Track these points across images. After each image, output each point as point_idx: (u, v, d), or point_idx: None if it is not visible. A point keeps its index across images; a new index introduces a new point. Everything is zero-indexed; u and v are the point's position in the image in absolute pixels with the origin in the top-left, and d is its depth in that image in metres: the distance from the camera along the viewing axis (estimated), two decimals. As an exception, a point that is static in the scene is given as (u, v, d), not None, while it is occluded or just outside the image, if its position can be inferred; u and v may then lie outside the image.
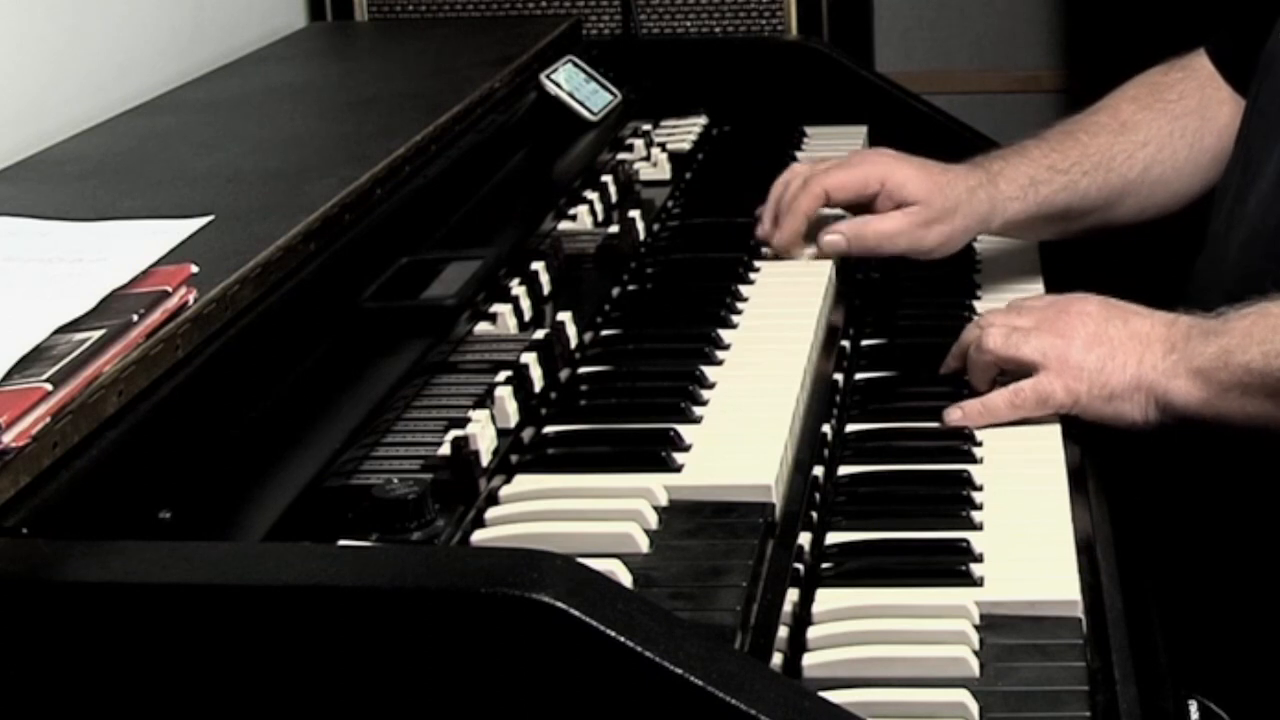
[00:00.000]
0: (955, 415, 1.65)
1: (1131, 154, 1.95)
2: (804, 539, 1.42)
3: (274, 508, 1.21)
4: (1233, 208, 1.84)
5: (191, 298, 1.29)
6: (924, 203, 1.86)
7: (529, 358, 1.48)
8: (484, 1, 2.58)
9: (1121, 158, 1.95)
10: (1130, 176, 1.95)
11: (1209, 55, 2.00)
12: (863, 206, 1.90)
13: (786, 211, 1.88)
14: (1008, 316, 1.70)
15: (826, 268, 1.83)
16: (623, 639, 0.98)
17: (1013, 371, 1.67)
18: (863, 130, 2.32)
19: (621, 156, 2.13)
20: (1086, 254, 2.10)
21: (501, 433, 1.39)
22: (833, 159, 1.93)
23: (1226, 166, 1.91)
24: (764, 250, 1.89)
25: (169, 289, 1.28)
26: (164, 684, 1.03)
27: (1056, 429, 1.64)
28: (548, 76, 2.11)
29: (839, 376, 1.73)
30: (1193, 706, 1.45)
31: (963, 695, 1.23)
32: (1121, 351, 1.63)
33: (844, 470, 1.58)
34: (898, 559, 1.42)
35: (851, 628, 1.32)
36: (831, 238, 1.86)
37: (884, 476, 1.57)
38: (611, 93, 2.19)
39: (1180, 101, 1.98)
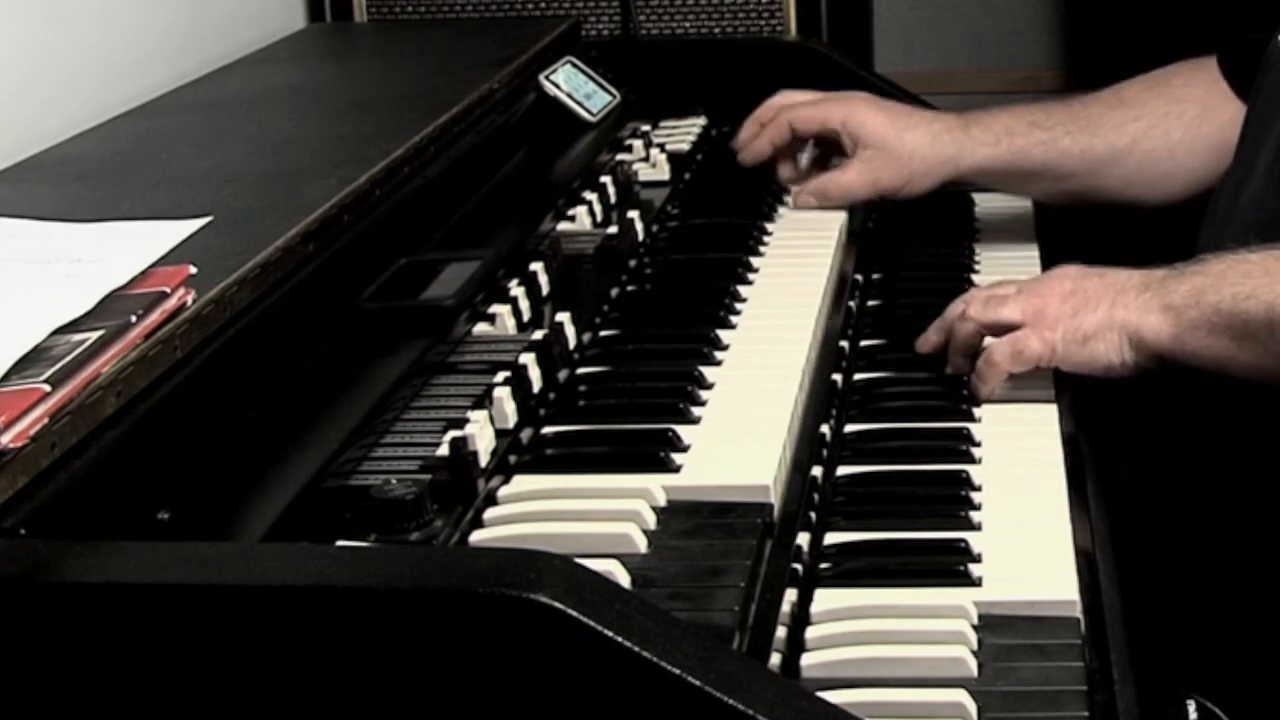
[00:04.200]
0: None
1: (1122, 125, 2.00)
2: (802, 539, 1.42)
3: (272, 508, 1.21)
4: (1229, 205, 1.85)
5: (190, 299, 1.29)
6: (878, 147, 2.00)
7: (527, 358, 1.48)
8: (483, 2, 2.58)
9: (1110, 126, 2.00)
10: (1118, 146, 2.00)
11: (1219, 64, 2.02)
12: (832, 142, 2.06)
13: (755, 135, 2.10)
14: (990, 289, 1.73)
15: (824, 268, 1.83)
16: (620, 639, 0.98)
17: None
18: (862, 130, 2.32)
19: (620, 157, 2.13)
20: (1086, 254, 2.11)
21: (500, 433, 1.39)
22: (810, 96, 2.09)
23: (1228, 169, 1.91)
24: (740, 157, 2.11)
25: (167, 290, 1.28)
26: (163, 684, 1.03)
27: (1055, 429, 1.64)
28: (547, 77, 2.11)
29: (838, 376, 1.73)
30: (1191, 706, 1.45)
31: (961, 695, 1.23)
32: (1095, 297, 1.65)
33: (843, 470, 1.58)
34: (896, 559, 1.42)
35: (850, 628, 1.32)
36: (803, 201, 2.03)
37: (883, 477, 1.57)
38: (610, 93, 2.19)
39: (1184, 88, 2.02)
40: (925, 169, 2.00)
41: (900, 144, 1.99)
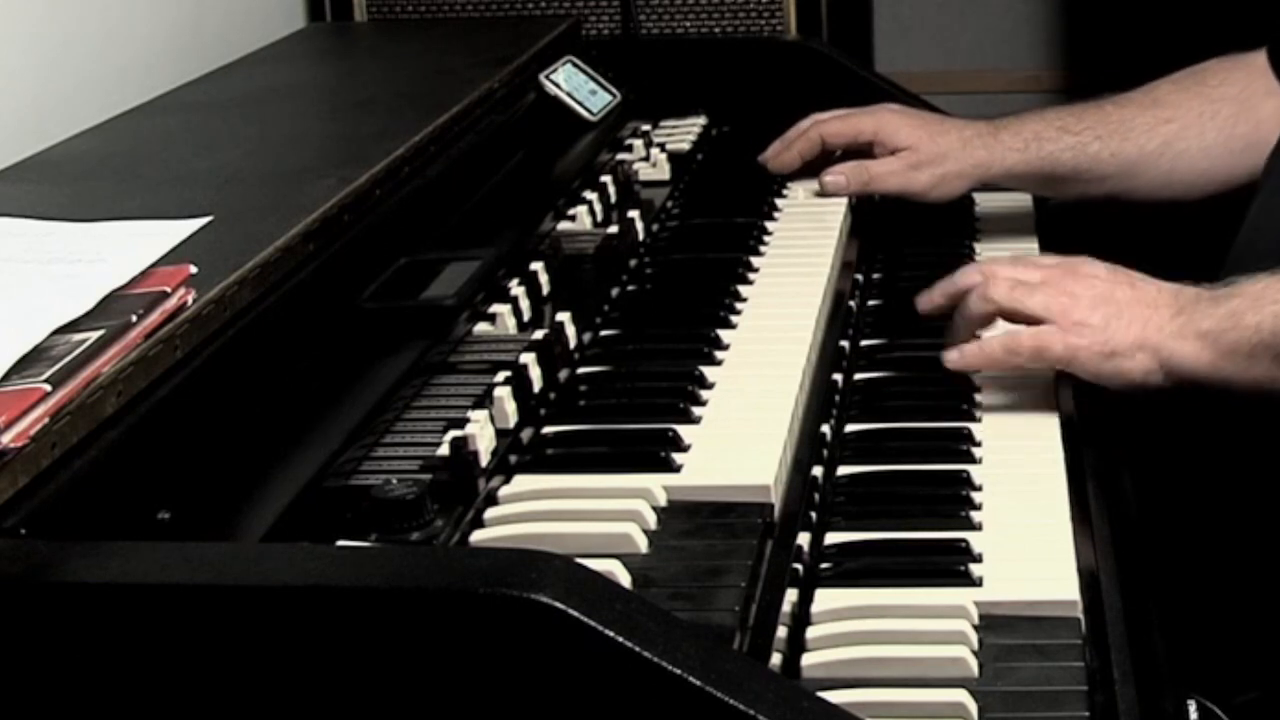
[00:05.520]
0: (952, 356, 1.65)
1: (1153, 128, 2.01)
2: (803, 539, 1.42)
3: (273, 508, 1.21)
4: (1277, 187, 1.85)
5: (190, 298, 1.29)
6: (913, 148, 2.03)
7: (528, 358, 1.48)
8: (484, 1, 2.58)
9: (1141, 129, 2.01)
10: (1148, 148, 2.00)
11: (1268, 55, 2.01)
12: (864, 154, 2.09)
13: (785, 147, 2.12)
14: (1013, 269, 1.70)
15: (825, 268, 1.83)
16: (621, 639, 0.98)
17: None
18: (863, 130, 2.32)
19: (621, 157, 2.13)
20: (1086, 252, 2.11)
21: (500, 433, 1.39)
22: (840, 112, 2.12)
23: (1271, 160, 1.91)
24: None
25: (168, 290, 1.28)
26: (163, 684, 1.03)
27: (1056, 429, 1.64)
28: (547, 77, 2.12)
29: (838, 376, 1.73)
30: (1191, 706, 1.45)
31: (961, 695, 1.23)
32: (1128, 312, 1.62)
33: (843, 470, 1.58)
34: (896, 559, 1.42)
35: (850, 628, 1.32)
36: (832, 178, 2.06)
37: (883, 476, 1.57)
38: (611, 93, 2.19)
39: (1220, 87, 2.02)
40: (957, 170, 2.03)
41: (934, 146, 2.03)
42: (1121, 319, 1.62)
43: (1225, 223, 1.93)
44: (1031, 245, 2.13)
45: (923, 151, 2.03)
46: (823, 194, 2.07)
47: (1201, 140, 2.00)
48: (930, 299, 1.74)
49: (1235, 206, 1.95)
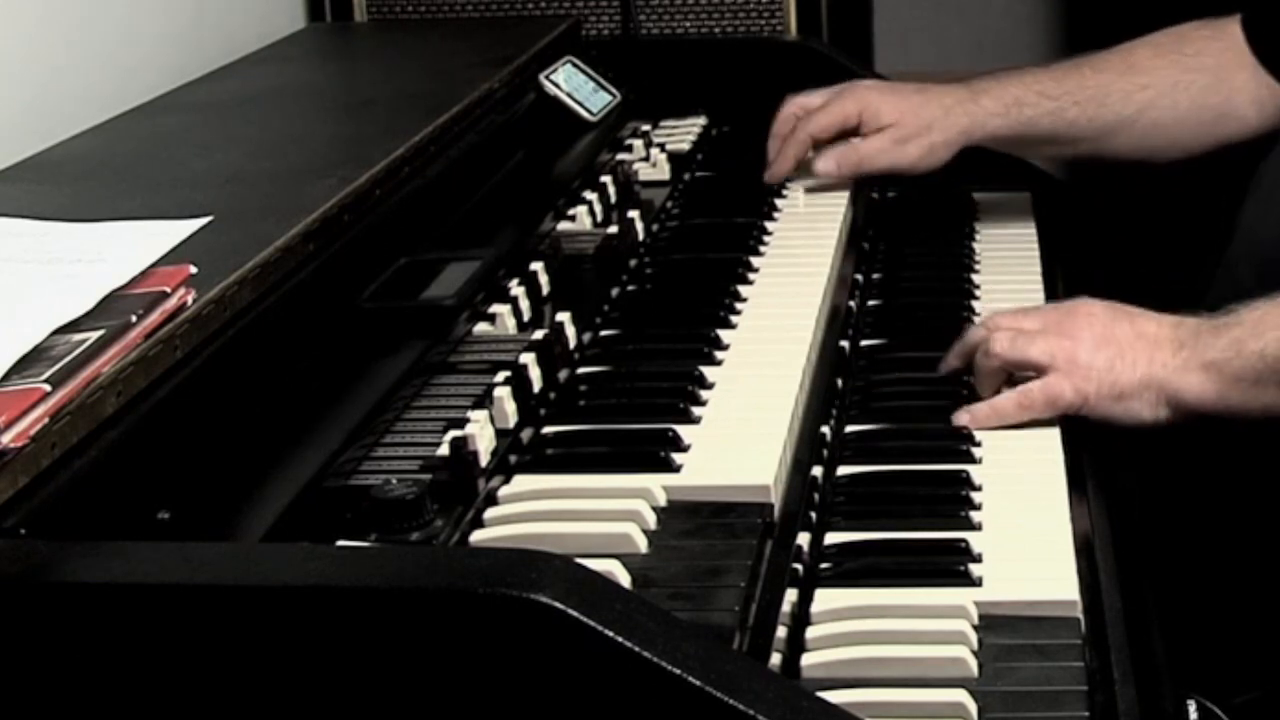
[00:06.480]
0: (964, 419, 1.64)
1: (1129, 95, 2.04)
2: (803, 539, 1.42)
3: (273, 508, 1.21)
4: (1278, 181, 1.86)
5: (190, 298, 1.29)
6: (898, 123, 2.04)
7: (528, 358, 1.48)
8: (484, 1, 2.58)
9: (1118, 95, 2.04)
10: (1125, 114, 2.04)
11: (1242, 26, 2.03)
12: (853, 133, 2.10)
13: (778, 155, 2.11)
14: (1013, 320, 1.70)
15: (825, 268, 1.83)
16: (621, 639, 0.98)
17: (1020, 375, 1.67)
18: (862, 130, 2.32)
19: (621, 157, 2.13)
20: (1086, 252, 2.11)
21: (500, 433, 1.39)
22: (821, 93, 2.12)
23: (1263, 167, 1.92)
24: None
25: (168, 290, 1.28)
26: (163, 684, 1.03)
27: (1056, 429, 1.64)
28: (547, 77, 2.12)
29: (838, 377, 1.73)
30: (1191, 706, 1.45)
31: (961, 695, 1.23)
32: (1130, 351, 1.62)
33: (843, 470, 1.58)
34: (896, 559, 1.42)
35: (850, 628, 1.32)
36: (824, 165, 2.08)
37: (883, 477, 1.57)
38: (611, 93, 2.19)
39: (1196, 57, 2.04)
40: (943, 140, 2.05)
41: (918, 119, 2.04)
42: (1125, 359, 1.62)
43: (1222, 219, 1.93)
44: (1030, 243, 2.13)
45: (908, 126, 2.05)
46: (815, 178, 2.08)
47: (1175, 110, 2.04)
48: (947, 363, 1.74)
49: (1231, 202, 1.96)
